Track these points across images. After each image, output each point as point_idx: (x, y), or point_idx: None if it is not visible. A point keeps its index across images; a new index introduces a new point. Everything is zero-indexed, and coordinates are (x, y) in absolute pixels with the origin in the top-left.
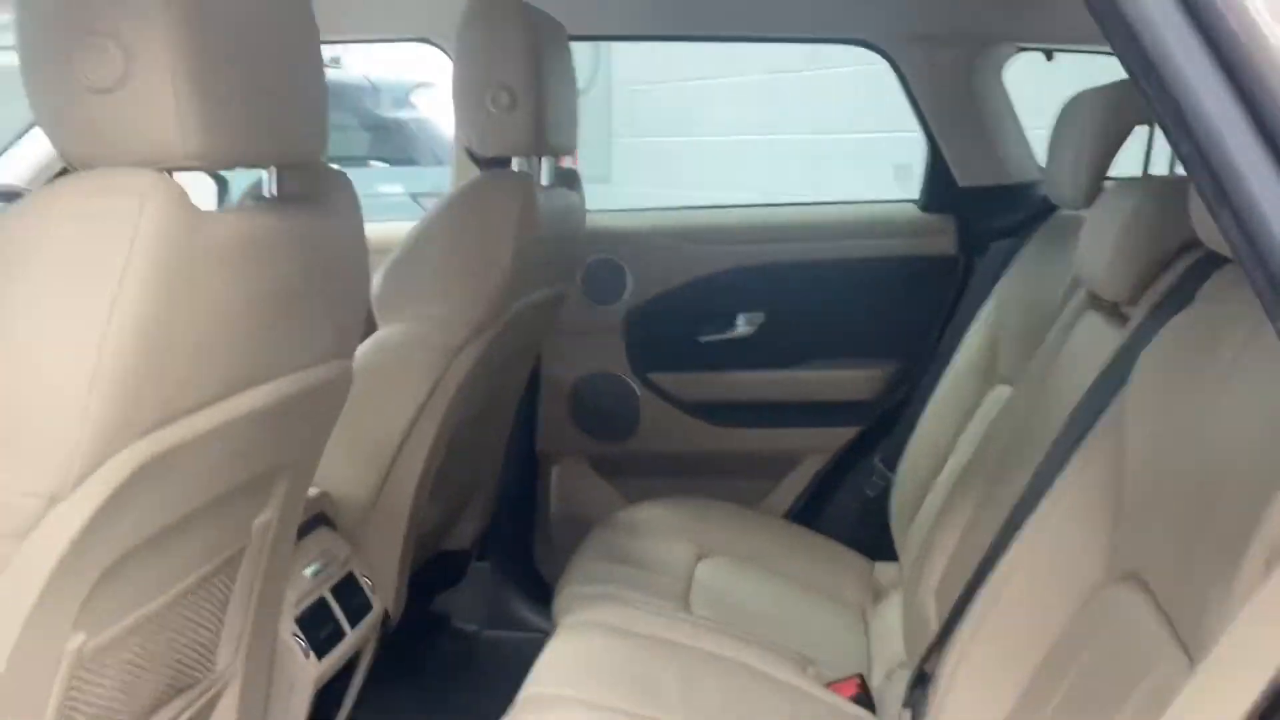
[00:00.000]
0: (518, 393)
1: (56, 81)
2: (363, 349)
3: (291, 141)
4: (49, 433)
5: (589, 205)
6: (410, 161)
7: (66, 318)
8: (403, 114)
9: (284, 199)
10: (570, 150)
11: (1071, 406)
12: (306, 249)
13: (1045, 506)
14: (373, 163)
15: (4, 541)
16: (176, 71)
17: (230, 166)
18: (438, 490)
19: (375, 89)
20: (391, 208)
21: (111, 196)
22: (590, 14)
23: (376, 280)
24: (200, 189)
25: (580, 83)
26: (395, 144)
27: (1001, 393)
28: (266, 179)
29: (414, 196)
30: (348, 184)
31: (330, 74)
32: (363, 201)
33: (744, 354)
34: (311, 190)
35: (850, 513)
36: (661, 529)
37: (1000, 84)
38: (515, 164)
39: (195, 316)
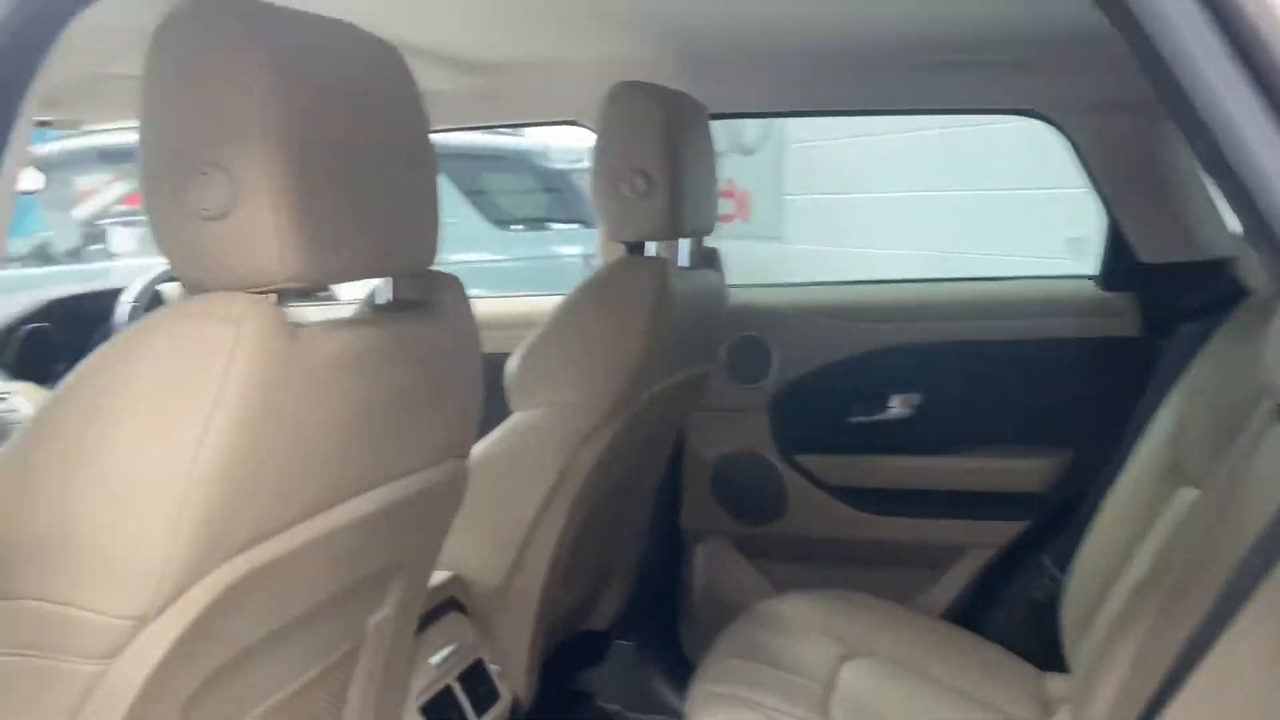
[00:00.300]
0: (659, 471)
1: (170, 208)
2: (495, 433)
3: (399, 253)
4: (137, 557)
5: (763, 263)
6: (585, 223)
7: (158, 443)
8: (578, 177)
9: (395, 307)
10: (709, 230)
11: (1259, 529)
12: (412, 357)
13: (1224, 647)
14: (550, 225)
15: (94, 662)
16: (278, 200)
17: (334, 282)
18: (573, 572)
19: (550, 153)
20: (566, 268)
21: (208, 322)
22: (740, 91)
23: (513, 362)
24: None
25: (752, 141)
26: (571, 206)
27: (1187, 496)
28: (381, 288)
29: (587, 258)
30: (459, 287)
31: (509, 139)
32: (539, 262)
33: (898, 438)
34: (424, 296)
35: (1017, 615)
36: (804, 625)
37: (1186, 152)
38: (652, 247)
39: (290, 436)
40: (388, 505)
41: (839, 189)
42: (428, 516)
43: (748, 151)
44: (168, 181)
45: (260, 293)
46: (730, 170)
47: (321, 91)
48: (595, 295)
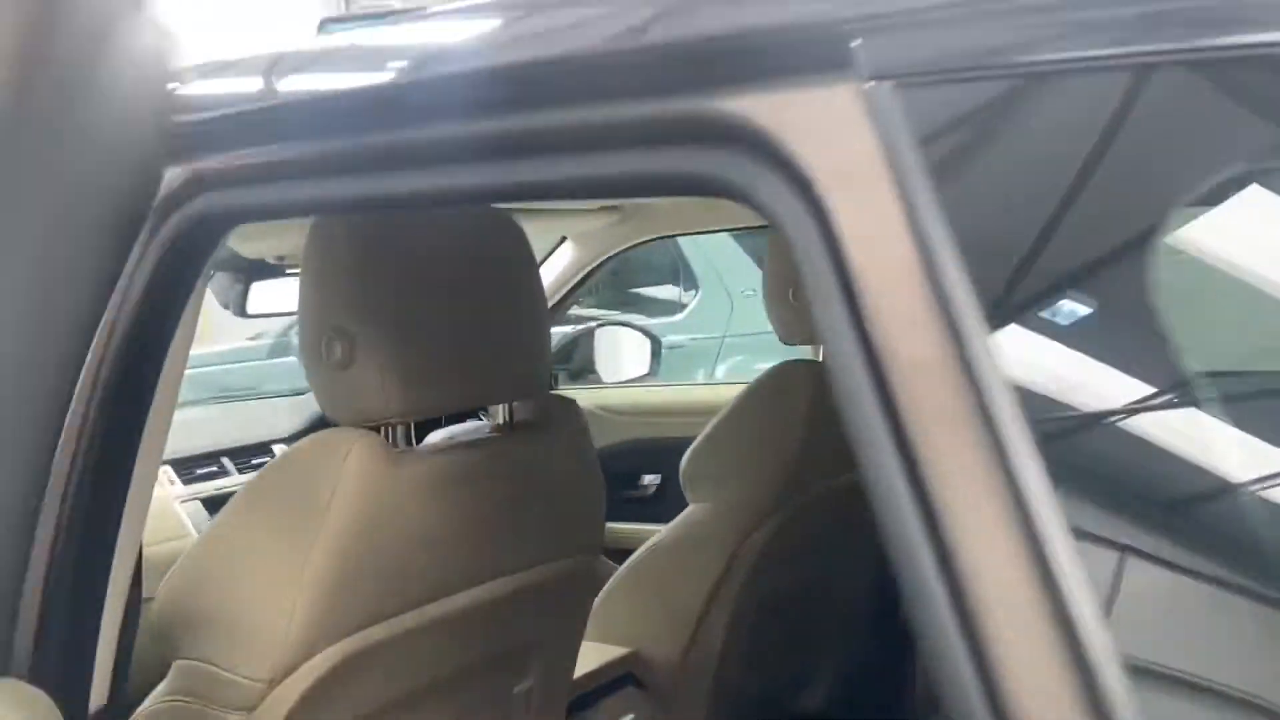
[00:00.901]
0: (872, 559)
1: (315, 360)
2: (674, 521)
3: (507, 384)
4: (265, 634)
5: None
6: None
7: (284, 546)
8: None
9: (508, 428)
10: None
11: None
12: (517, 474)
13: None
14: None
15: (238, 713)
16: (384, 357)
17: (438, 414)
18: (757, 656)
19: None
20: None
21: (325, 450)
22: None
23: (686, 457)
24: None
25: None
26: None
27: None
28: (502, 411)
29: None
30: (574, 409)
31: None
32: None
33: None
34: (537, 418)
35: None
36: None
37: None
38: (817, 350)
39: (389, 544)
40: (503, 596)
41: None
42: (552, 604)
43: None
44: (312, 339)
45: (372, 426)
46: None
47: (429, 268)
48: (756, 397)
